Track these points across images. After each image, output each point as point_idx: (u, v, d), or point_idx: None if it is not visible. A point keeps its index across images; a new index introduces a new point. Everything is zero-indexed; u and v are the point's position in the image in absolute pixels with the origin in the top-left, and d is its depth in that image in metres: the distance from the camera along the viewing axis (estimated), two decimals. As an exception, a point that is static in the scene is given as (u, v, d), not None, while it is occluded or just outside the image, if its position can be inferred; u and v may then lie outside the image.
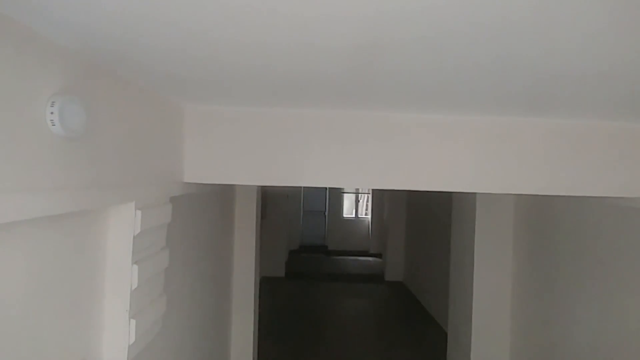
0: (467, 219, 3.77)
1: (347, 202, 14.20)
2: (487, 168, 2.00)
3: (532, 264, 3.29)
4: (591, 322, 2.56)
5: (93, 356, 1.45)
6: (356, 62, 1.22)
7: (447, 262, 4.46)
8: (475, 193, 3.53)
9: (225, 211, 3.66)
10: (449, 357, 4.23)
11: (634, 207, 2.15)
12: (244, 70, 1.35)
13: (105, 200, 1.35)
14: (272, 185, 2.12)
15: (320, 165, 2.01)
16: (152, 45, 1.12)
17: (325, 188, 12.45)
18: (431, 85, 1.47)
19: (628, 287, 2.26)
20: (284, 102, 1.86)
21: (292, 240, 11.93)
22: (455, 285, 4.17)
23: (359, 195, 14.19)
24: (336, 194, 13.44)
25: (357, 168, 2.01)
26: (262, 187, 4.62)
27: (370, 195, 13.16)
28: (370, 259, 11.79)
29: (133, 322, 1.52)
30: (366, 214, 13.86)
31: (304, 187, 10.08)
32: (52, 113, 1.03)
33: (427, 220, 7.62)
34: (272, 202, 8.87)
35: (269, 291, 7.43)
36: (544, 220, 3.15)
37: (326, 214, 13.53)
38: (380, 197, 11.46)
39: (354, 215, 14.20)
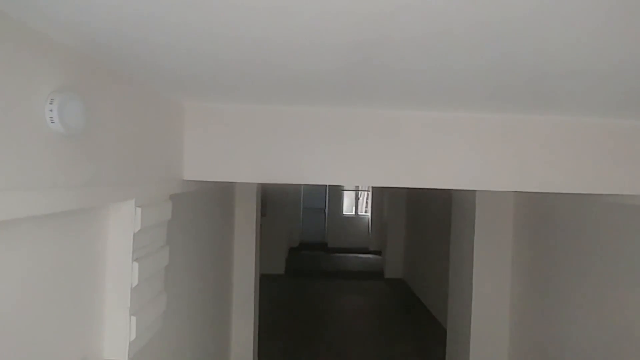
0: (467, 216, 3.77)
1: (347, 199, 14.18)
2: (487, 165, 2.00)
3: (532, 261, 3.30)
4: (590, 320, 2.56)
5: (94, 353, 1.46)
6: (355, 59, 1.22)
7: (446, 259, 4.47)
8: (474, 190, 3.53)
9: (225, 209, 3.66)
10: (448, 354, 4.24)
11: (634, 205, 2.15)
12: (243, 67, 1.35)
13: (105, 197, 1.35)
14: (272, 183, 2.12)
15: (320, 163, 2.00)
16: (151, 42, 1.12)
17: (325, 185, 12.45)
18: (431, 83, 1.46)
19: (628, 286, 2.26)
20: (284, 100, 1.86)
21: (292, 238, 11.94)
22: (454, 283, 4.17)
23: (359, 192, 14.19)
24: (336, 192, 13.43)
25: (357, 165, 2.01)
26: (262, 184, 4.61)
27: (370, 193, 13.16)
28: (370, 256, 11.80)
29: (134, 319, 1.53)
30: (366, 212, 13.85)
31: (303, 184, 10.11)
32: (51, 110, 1.03)
33: (427, 218, 7.62)
34: (272, 199, 8.88)
35: (269, 288, 7.43)
36: (544, 218, 3.15)
37: (326, 211, 13.52)
38: (380, 195, 11.46)
39: (353, 213, 14.19)
